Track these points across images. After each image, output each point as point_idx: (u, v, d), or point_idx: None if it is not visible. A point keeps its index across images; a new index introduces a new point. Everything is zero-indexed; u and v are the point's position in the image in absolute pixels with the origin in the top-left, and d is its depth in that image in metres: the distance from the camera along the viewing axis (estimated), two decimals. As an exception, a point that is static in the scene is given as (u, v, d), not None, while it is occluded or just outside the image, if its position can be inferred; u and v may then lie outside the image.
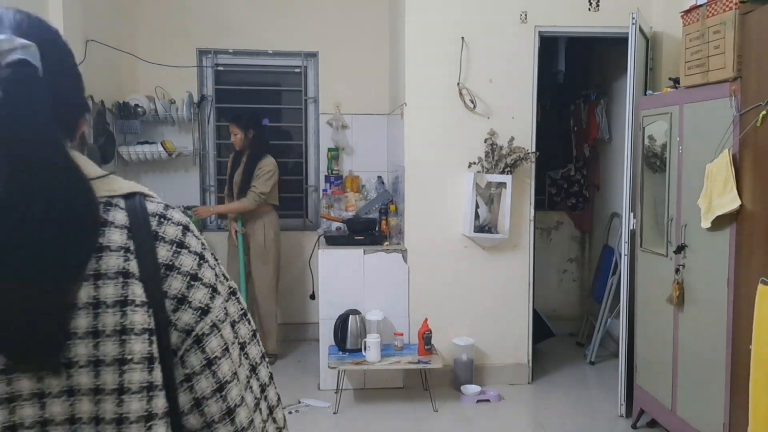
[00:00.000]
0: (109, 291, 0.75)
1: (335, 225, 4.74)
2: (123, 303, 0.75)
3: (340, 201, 4.91)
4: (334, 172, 5.10)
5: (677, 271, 3.19)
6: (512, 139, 4.11)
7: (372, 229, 4.45)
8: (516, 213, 4.18)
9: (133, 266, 0.77)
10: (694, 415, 3.09)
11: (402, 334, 4.12)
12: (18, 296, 0.71)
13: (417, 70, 4.17)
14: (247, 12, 5.06)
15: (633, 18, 3.64)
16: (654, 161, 3.45)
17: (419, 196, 4.22)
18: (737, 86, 2.74)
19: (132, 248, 0.78)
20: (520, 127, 4.17)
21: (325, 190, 5.07)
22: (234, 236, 4.59)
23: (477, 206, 4.12)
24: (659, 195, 3.39)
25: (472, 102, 4.15)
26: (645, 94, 3.77)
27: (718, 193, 2.81)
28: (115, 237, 0.77)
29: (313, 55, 5.18)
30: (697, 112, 3.06)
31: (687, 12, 3.14)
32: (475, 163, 4.13)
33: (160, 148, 4.80)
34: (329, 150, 5.13)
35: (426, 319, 4.06)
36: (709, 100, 2.95)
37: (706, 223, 2.91)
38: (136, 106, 4.78)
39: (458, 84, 4.15)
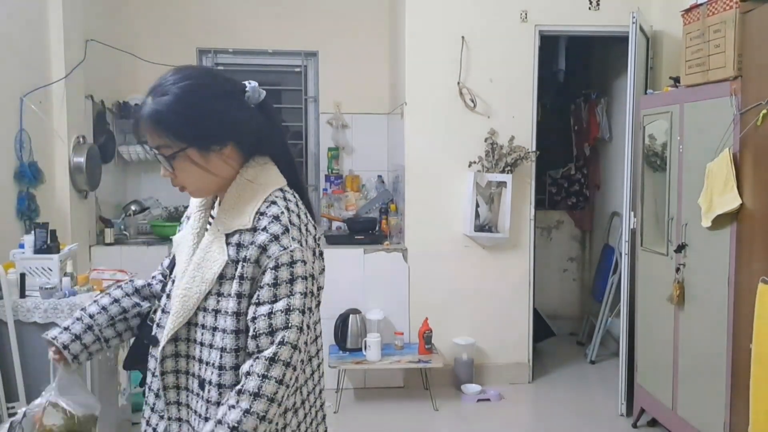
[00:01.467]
0: None
1: (335, 224, 4.74)
2: None
3: (341, 200, 4.91)
4: (334, 171, 5.10)
5: (678, 270, 3.19)
6: (512, 138, 4.11)
7: (372, 229, 4.45)
8: (516, 212, 4.18)
9: None
10: (695, 414, 3.09)
11: (402, 334, 4.12)
12: None
13: (417, 70, 4.17)
14: (247, 11, 5.06)
15: (633, 17, 3.63)
16: (654, 160, 3.45)
17: (419, 196, 4.22)
18: (738, 85, 2.73)
19: None
20: (520, 127, 4.17)
21: (325, 190, 5.07)
22: None
23: (477, 205, 4.12)
24: (660, 194, 3.39)
25: (473, 101, 4.15)
26: (645, 93, 3.77)
27: (719, 192, 2.81)
28: None
29: (313, 54, 5.18)
30: (697, 111, 3.06)
31: (687, 11, 3.14)
32: (475, 162, 4.13)
33: (161, 148, 4.79)
34: (329, 149, 5.12)
35: (426, 319, 4.06)
36: (709, 99, 2.95)
37: (706, 222, 2.90)
38: (137, 105, 4.77)
39: (458, 83, 4.15)
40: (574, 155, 5.43)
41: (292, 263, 1.27)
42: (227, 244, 1.31)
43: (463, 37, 4.14)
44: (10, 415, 2.68)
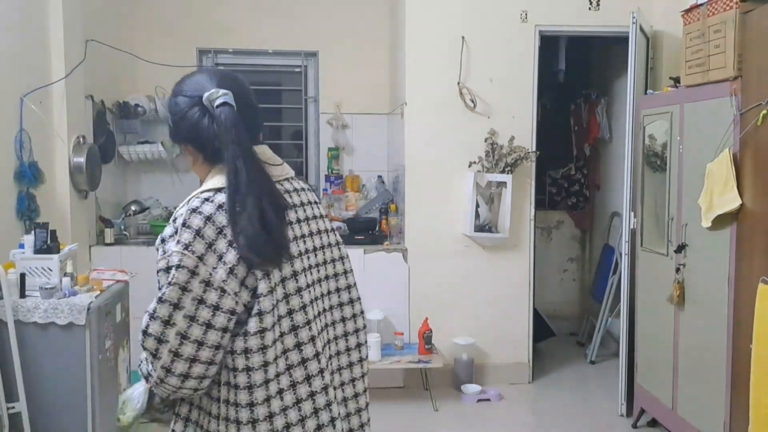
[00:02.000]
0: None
1: (335, 225, 4.74)
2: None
3: (341, 200, 4.91)
4: (334, 171, 5.10)
5: (678, 270, 3.19)
6: (512, 138, 4.11)
7: (372, 229, 4.45)
8: (516, 212, 4.18)
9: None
10: (695, 415, 3.09)
11: (402, 334, 4.12)
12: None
13: (417, 70, 4.17)
14: (247, 11, 5.06)
15: (633, 17, 3.63)
16: (654, 160, 3.45)
17: (419, 196, 4.22)
18: (738, 85, 2.73)
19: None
20: (520, 127, 4.17)
21: (325, 190, 5.07)
22: None
23: (477, 206, 4.12)
24: (660, 194, 3.39)
25: (473, 101, 4.15)
26: (645, 94, 3.77)
27: (719, 192, 2.81)
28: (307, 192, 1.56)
29: (313, 54, 5.18)
30: (697, 112, 3.06)
31: (687, 11, 3.14)
32: (475, 162, 4.13)
33: (161, 148, 4.79)
34: (329, 150, 5.12)
35: (426, 319, 4.06)
36: (709, 100, 2.95)
37: (706, 223, 2.90)
38: (137, 105, 4.77)
39: (458, 83, 4.15)
40: (574, 155, 5.44)
41: (167, 269, 1.29)
42: None
43: (463, 38, 4.14)
44: (10, 416, 2.69)
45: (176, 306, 1.27)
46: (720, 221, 2.84)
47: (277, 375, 1.33)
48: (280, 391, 1.33)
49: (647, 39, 4.02)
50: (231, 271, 1.29)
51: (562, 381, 4.41)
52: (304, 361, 1.37)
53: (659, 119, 3.40)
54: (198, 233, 1.29)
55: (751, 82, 2.68)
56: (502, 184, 4.09)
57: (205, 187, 1.37)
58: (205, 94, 1.37)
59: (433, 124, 4.19)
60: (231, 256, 1.29)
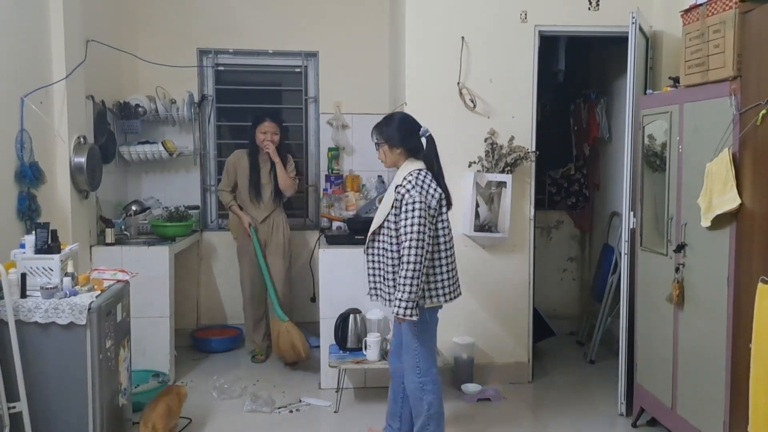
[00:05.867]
0: None
1: (336, 224, 4.74)
2: None
3: (341, 200, 4.92)
4: (334, 171, 5.11)
5: (677, 270, 3.20)
6: (512, 138, 4.11)
7: (372, 229, 4.45)
8: (516, 212, 4.19)
9: None
10: (695, 414, 3.10)
11: (402, 334, 4.11)
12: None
13: (417, 70, 4.18)
14: (247, 12, 5.07)
15: (633, 17, 3.64)
16: (654, 160, 3.46)
17: (419, 196, 4.21)
18: (737, 85, 2.74)
19: None
20: (520, 127, 4.18)
21: (325, 190, 5.08)
22: (248, 229, 4.59)
23: (477, 205, 4.12)
24: (659, 194, 3.40)
25: (473, 101, 4.15)
26: (645, 94, 3.77)
27: (718, 192, 2.82)
28: None
29: (314, 54, 5.19)
30: (697, 111, 3.06)
31: (687, 11, 3.14)
32: (475, 162, 4.14)
33: (161, 148, 4.81)
34: (329, 150, 5.13)
35: (426, 319, 4.05)
36: (709, 99, 2.95)
37: (706, 222, 2.91)
38: (137, 106, 4.78)
39: (458, 83, 4.15)
40: (573, 155, 5.44)
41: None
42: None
43: (463, 38, 4.14)
44: (11, 416, 2.69)
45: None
46: (719, 221, 2.85)
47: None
48: None
49: (647, 39, 4.03)
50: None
51: (562, 380, 4.42)
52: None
53: (659, 119, 3.40)
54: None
55: (750, 82, 2.68)
56: (502, 184, 4.10)
57: (410, 168, 3.08)
58: (422, 129, 3.14)
59: (432, 124, 4.15)
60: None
